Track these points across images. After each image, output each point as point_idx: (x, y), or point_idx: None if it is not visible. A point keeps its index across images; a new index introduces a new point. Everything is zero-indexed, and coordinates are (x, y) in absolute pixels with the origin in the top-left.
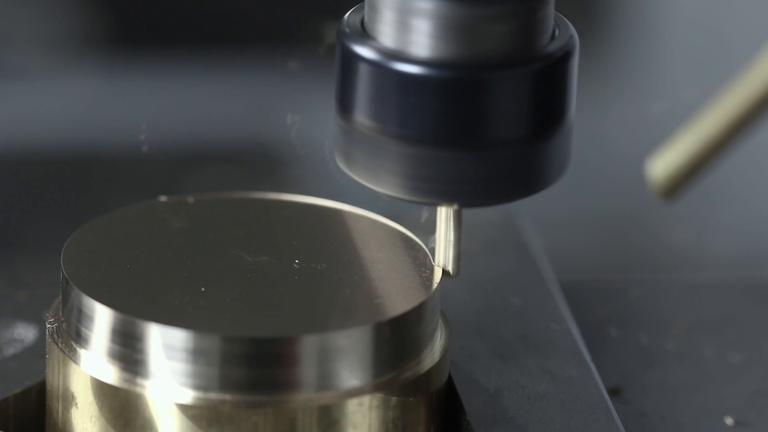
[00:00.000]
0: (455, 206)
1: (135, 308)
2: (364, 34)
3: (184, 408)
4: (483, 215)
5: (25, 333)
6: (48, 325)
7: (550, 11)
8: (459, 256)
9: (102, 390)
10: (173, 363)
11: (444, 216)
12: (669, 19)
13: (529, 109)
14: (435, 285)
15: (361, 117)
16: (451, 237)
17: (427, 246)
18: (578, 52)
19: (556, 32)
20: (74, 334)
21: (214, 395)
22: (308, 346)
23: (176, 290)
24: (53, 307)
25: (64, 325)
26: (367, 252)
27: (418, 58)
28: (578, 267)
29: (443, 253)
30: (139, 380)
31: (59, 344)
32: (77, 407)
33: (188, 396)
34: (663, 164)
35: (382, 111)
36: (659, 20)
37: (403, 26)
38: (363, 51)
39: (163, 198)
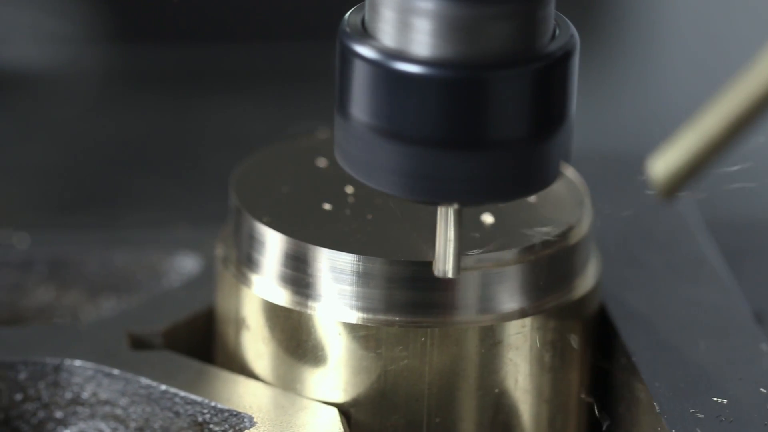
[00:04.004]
0: (455, 205)
1: (305, 234)
2: (365, 33)
3: (354, 328)
4: None
5: (189, 263)
6: (218, 252)
7: (551, 11)
8: (458, 254)
9: (274, 313)
10: (343, 286)
11: (444, 214)
12: (669, 18)
13: (529, 109)
14: (588, 213)
15: (362, 116)
16: (451, 235)
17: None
18: (579, 52)
19: (557, 32)
20: (245, 260)
21: (382, 317)
22: (471, 269)
23: (343, 217)
24: (222, 235)
25: (234, 251)
26: None
27: (419, 58)
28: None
29: (443, 252)
30: (311, 303)
31: (230, 270)
32: (249, 330)
33: (358, 317)
34: (663, 163)
35: (382, 110)
36: (660, 19)
37: (403, 25)
38: (363, 50)
39: (323, 130)
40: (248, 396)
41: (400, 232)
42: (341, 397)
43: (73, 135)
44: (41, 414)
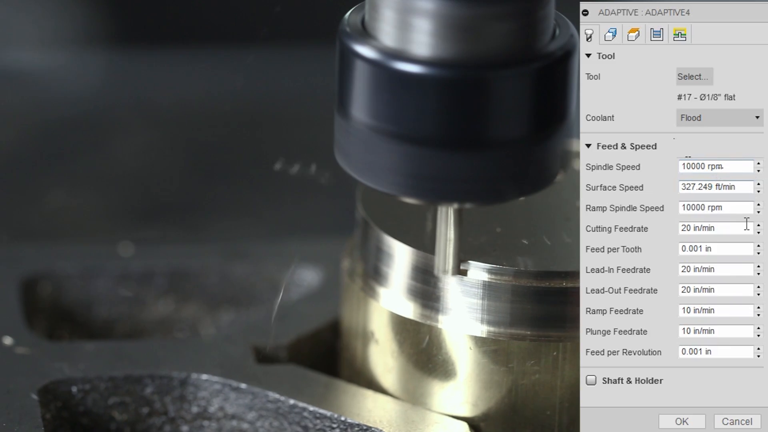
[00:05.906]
0: (455, 205)
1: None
2: (365, 33)
3: (484, 342)
4: None
5: (308, 275)
6: (344, 265)
7: (551, 10)
8: (458, 254)
9: (404, 326)
10: (472, 299)
11: (444, 214)
12: None
13: (529, 109)
14: None
15: (362, 115)
16: (451, 235)
17: None
18: (579, 52)
19: (557, 31)
20: (372, 273)
21: (512, 330)
22: None
23: (472, 231)
24: (347, 248)
25: (360, 264)
26: None
27: (419, 58)
28: None
29: (443, 251)
30: (440, 316)
31: (357, 283)
32: (377, 344)
33: (488, 331)
34: None
35: (382, 110)
36: None
37: (403, 25)
38: (363, 50)
39: None
40: (378, 410)
41: (529, 244)
42: (471, 412)
43: (143, 144)
44: (167, 428)
